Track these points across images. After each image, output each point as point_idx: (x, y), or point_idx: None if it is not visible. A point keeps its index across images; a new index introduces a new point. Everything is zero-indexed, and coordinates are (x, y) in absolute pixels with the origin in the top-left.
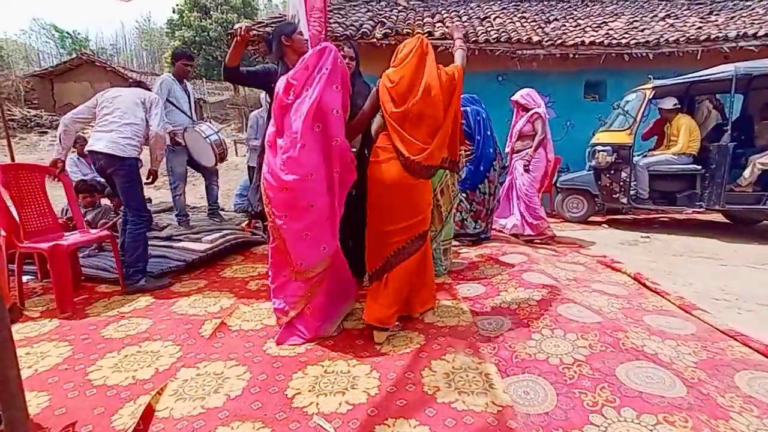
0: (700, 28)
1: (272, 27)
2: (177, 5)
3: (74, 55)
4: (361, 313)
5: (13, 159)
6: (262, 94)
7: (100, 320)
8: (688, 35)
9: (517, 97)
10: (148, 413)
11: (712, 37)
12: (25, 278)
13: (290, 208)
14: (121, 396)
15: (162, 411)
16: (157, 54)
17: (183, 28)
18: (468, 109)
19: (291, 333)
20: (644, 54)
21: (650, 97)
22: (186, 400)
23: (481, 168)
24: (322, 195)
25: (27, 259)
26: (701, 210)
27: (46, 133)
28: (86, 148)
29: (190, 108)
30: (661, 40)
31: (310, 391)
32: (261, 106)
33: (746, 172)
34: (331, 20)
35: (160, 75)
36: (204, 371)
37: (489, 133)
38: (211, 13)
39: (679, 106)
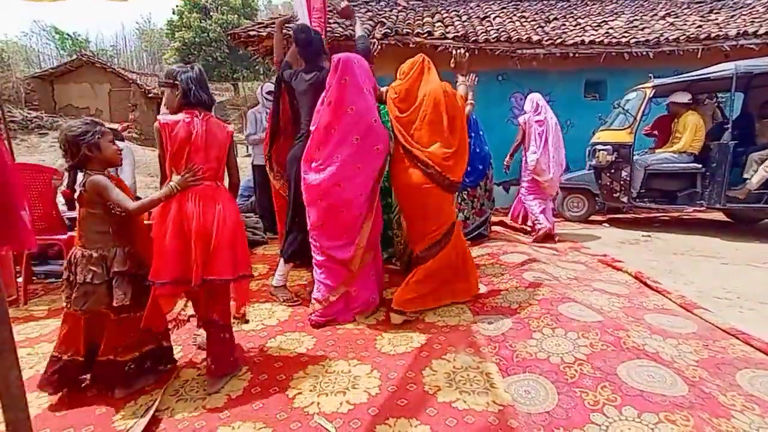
0: (700, 26)
1: (272, 28)
2: (177, 6)
3: (74, 57)
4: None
5: (13, 160)
6: (258, 90)
7: None
8: (688, 34)
9: None
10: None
11: (713, 35)
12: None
13: (327, 212)
14: None
15: (163, 411)
16: (158, 55)
17: (183, 29)
18: None
19: (330, 313)
20: (644, 53)
21: (650, 95)
22: (187, 401)
23: (480, 166)
24: (354, 192)
25: (35, 259)
26: (702, 209)
27: (46, 134)
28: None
29: None
30: (662, 38)
31: (311, 391)
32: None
33: (756, 176)
34: (331, 20)
35: (159, 76)
36: (205, 371)
37: (481, 132)
38: (211, 14)
39: (691, 102)
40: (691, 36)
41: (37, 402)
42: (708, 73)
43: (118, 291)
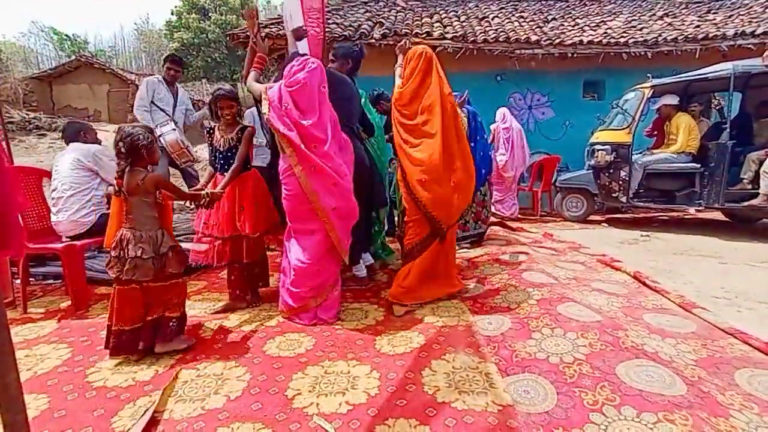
0: (698, 26)
1: (271, 28)
2: (176, 7)
3: (73, 58)
4: (360, 314)
5: (12, 161)
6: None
7: (99, 322)
8: (686, 34)
9: None
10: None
11: (711, 35)
12: (44, 281)
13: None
14: (121, 398)
15: (162, 412)
16: (156, 56)
17: (182, 29)
18: (464, 110)
19: (312, 317)
20: (643, 53)
21: (649, 95)
22: (186, 402)
23: (483, 171)
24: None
25: (32, 260)
26: (700, 208)
27: (44, 135)
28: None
29: (174, 110)
30: (660, 38)
31: (310, 391)
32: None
33: (763, 185)
34: (330, 21)
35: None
36: (204, 372)
37: (485, 135)
38: (210, 14)
39: (680, 104)
40: (689, 36)
41: (35, 404)
42: (706, 73)
43: (173, 261)
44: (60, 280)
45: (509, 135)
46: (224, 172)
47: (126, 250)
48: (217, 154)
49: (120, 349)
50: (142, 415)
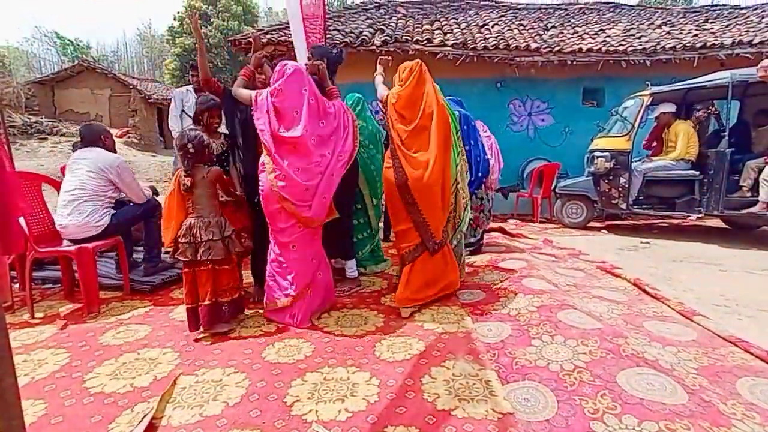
0: (696, 35)
1: (273, 34)
2: (178, 12)
3: (75, 62)
4: (360, 320)
5: (13, 166)
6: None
7: (98, 327)
8: (684, 42)
9: None
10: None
11: (708, 44)
12: (42, 285)
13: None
14: (119, 404)
15: (160, 419)
16: (158, 61)
17: (183, 35)
18: (456, 112)
19: (284, 315)
20: (641, 61)
21: (648, 103)
22: (184, 408)
23: (479, 174)
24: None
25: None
26: (700, 215)
27: (46, 139)
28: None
29: None
30: (658, 47)
31: (309, 398)
32: None
33: (762, 193)
34: (331, 27)
35: (160, 81)
36: (202, 378)
37: (480, 140)
38: (212, 20)
39: (677, 112)
40: (687, 45)
41: (33, 410)
42: (704, 81)
43: (237, 243)
44: (59, 285)
45: (491, 143)
46: None
47: (198, 236)
48: None
49: (213, 320)
50: (140, 421)
